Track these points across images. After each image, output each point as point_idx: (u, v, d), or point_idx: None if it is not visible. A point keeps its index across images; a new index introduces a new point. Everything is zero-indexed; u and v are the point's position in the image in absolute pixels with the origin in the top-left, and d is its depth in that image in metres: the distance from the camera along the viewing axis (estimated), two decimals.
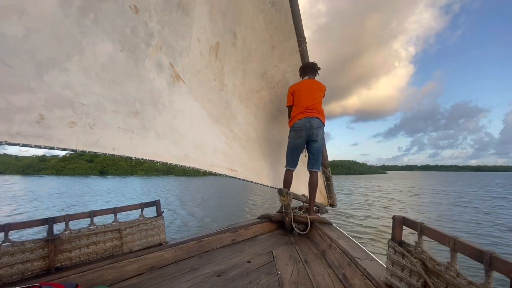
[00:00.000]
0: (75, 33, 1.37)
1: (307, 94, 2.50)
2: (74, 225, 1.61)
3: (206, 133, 2.31)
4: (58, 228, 1.54)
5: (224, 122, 2.50)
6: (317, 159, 2.56)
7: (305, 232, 2.40)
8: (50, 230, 1.48)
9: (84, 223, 1.63)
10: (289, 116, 2.67)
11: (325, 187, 3.17)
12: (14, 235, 1.39)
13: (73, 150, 1.41)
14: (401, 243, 1.20)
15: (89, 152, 1.48)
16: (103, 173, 61.89)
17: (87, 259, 1.60)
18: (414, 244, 1.12)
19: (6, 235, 1.37)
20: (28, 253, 1.40)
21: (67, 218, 1.55)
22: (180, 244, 1.95)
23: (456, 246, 0.89)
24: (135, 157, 1.69)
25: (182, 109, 2.08)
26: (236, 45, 2.32)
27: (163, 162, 1.88)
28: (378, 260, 1.53)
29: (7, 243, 1.36)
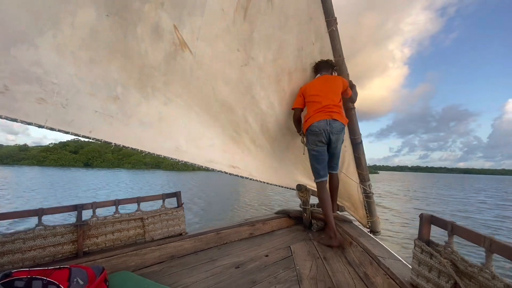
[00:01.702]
0: (52, 2, 1.22)
1: (325, 91, 2.13)
2: (100, 213, 1.68)
3: (208, 123, 1.97)
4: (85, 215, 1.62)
5: (239, 110, 2.07)
6: (336, 161, 2.27)
7: (323, 229, 2.36)
8: (79, 216, 1.56)
9: (109, 211, 1.70)
10: (295, 122, 2.32)
11: (364, 206, 2.45)
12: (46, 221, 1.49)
13: (40, 126, 1.30)
14: (429, 243, 1.14)
15: (59, 131, 1.34)
16: (87, 165, 58.03)
17: (112, 245, 1.66)
18: (443, 244, 1.06)
19: (39, 219, 1.46)
20: (59, 237, 1.48)
21: (94, 206, 1.63)
22: (199, 235, 1.98)
23: (492, 246, 0.83)
24: (115, 143, 1.52)
25: (180, 93, 1.74)
26: (273, 4, 1.78)
27: (150, 153, 1.69)
28: (402, 260, 1.46)
29: (41, 227, 1.44)
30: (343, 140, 2.19)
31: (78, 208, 1.56)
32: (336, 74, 2.30)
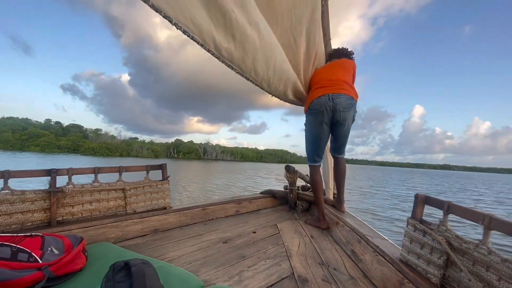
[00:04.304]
0: None
1: (331, 70, 1.94)
2: (78, 180, 1.53)
3: None
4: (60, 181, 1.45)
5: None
6: (343, 144, 1.97)
7: (307, 210, 2.39)
8: (53, 182, 1.40)
9: (87, 179, 1.55)
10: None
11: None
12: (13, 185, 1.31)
13: None
14: (422, 221, 1.16)
15: None
16: None
17: (89, 215, 1.53)
18: (437, 222, 1.08)
19: (5, 182, 1.29)
20: (28, 203, 1.33)
21: (70, 172, 1.47)
22: (185, 210, 1.90)
23: (491, 223, 0.84)
24: None
25: None
26: None
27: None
28: (388, 240, 1.50)
29: (7, 191, 1.28)
30: (354, 118, 1.89)
31: (52, 173, 1.40)
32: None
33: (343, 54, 2.06)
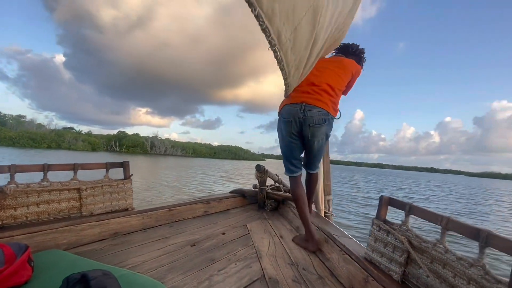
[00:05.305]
0: None
1: (320, 69, 1.58)
2: (23, 179, 1.34)
3: None
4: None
5: None
6: (315, 160, 1.75)
7: (276, 209, 2.42)
8: None
9: (36, 177, 1.37)
10: None
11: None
12: None
13: None
14: (386, 222, 1.24)
15: None
16: None
17: (36, 219, 1.35)
18: (399, 223, 1.16)
19: None
20: None
21: (13, 169, 1.28)
22: (149, 211, 1.78)
23: (449, 224, 0.93)
24: None
25: None
26: None
27: None
28: (353, 239, 1.58)
29: None
30: (327, 136, 1.64)
31: None
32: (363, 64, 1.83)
33: (352, 53, 1.76)
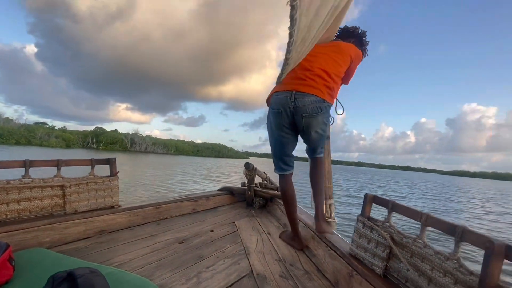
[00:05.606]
0: None
1: (314, 54, 1.42)
2: (2, 175, 1.28)
3: None
4: None
5: None
6: (315, 146, 1.59)
7: (264, 206, 2.44)
8: None
9: (16, 173, 1.31)
10: None
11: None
12: None
13: None
14: (369, 219, 1.29)
15: None
16: None
17: (16, 216, 1.30)
18: (382, 219, 1.21)
19: None
20: None
21: None
22: (136, 208, 1.76)
23: (428, 221, 0.98)
24: None
25: None
26: None
27: None
28: (339, 235, 1.63)
29: None
30: (324, 124, 1.47)
31: None
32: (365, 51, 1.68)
33: (351, 34, 1.61)
